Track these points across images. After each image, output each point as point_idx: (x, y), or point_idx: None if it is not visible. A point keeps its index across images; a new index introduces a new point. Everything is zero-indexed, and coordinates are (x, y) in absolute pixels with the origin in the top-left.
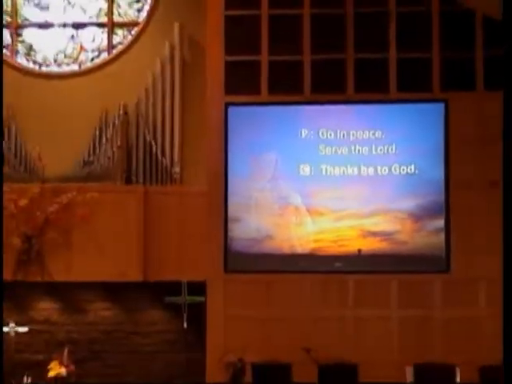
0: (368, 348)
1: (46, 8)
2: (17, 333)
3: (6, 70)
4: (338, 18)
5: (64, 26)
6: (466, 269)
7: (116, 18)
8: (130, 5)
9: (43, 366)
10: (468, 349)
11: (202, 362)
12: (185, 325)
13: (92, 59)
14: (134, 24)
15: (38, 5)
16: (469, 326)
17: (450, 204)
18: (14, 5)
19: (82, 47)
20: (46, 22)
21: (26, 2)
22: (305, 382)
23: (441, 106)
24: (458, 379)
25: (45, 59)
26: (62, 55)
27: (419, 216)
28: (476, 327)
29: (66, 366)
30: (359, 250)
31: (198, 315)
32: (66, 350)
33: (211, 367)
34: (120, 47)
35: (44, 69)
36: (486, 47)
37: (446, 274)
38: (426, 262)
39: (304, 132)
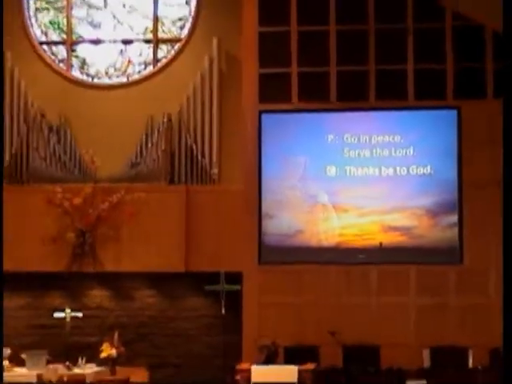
0: (388, 332)
1: (97, 26)
2: (72, 318)
3: (62, 82)
4: (361, 33)
5: (114, 42)
6: (477, 260)
7: (160, 35)
8: (173, 23)
9: (96, 348)
10: (479, 333)
11: (239, 345)
12: (223, 311)
13: (139, 72)
14: (177, 40)
15: (90, 23)
16: (480, 312)
17: (463, 201)
18: (69, 23)
19: (129, 61)
20: (98, 38)
21: (80, 21)
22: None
23: (454, 113)
24: (470, 360)
25: (97, 72)
26: (112, 68)
27: (435, 212)
28: (486, 313)
29: (116, 348)
30: (380, 243)
31: (234, 302)
32: (115, 333)
33: (247, 349)
34: (164, 61)
35: (96, 81)
36: (495, 59)
37: (459, 265)
38: (441, 254)
39: (330, 137)
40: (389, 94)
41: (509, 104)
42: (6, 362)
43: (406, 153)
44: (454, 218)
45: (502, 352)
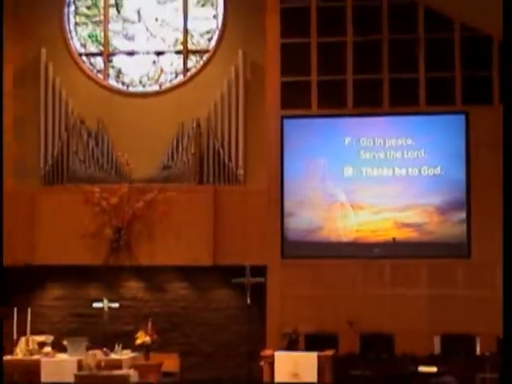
0: (402, 321)
1: (132, 39)
2: (109, 308)
3: (100, 90)
4: (375, 44)
5: (147, 53)
6: (484, 255)
7: (190, 46)
8: (201, 35)
9: (131, 336)
10: (486, 322)
11: (263, 333)
12: (248, 301)
13: (170, 80)
14: (205, 51)
15: (125, 36)
16: (487, 303)
17: (471, 200)
18: (105, 36)
19: (162, 70)
20: (133, 50)
21: (116, 34)
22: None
23: (462, 117)
24: (478, 348)
25: (131, 81)
26: (146, 77)
27: (444, 210)
28: (493, 304)
29: (150, 335)
30: (394, 239)
31: (259, 294)
32: (149, 322)
33: (270, 337)
34: (193, 70)
35: (131, 89)
36: (500, 67)
37: (467, 259)
38: (450, 249)
39: (347, 140)
40: (401, 100)
41: (509, 109)
42: (48, 348)
43: (417, 155)
44: (463, 215)
45: (502, 341)
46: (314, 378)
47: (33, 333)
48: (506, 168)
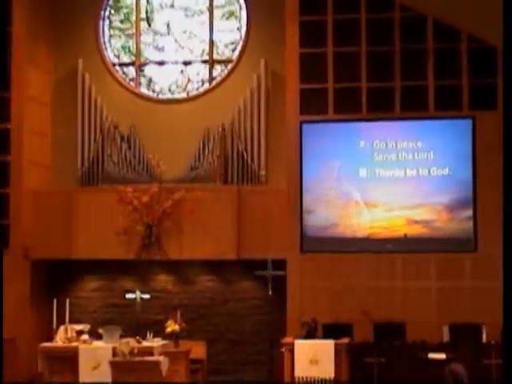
0: (413, 311)
1: (162, 49)
2: (141, 299)
3: (132, 98)
4: (388, 54)
5: (176, 63)
6: (489, 249)
7: (215, 56)
8: (226, 46)
9: (161, 325)
10: (492, 312)
11: (283, 322)
12: (270, 293)
13: (197, 88)
14: (229, 61)
15: (156, 47)
16: (492, 294)
17: (477, 198)
18: (137, 48)
19: (189, 79)
20: (162, 60)
21: (147, 46)
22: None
23: (469, 122)
24: (484, 336)
25: (161, 89)
26: (174, 85)
27: (452, 208)
28: (498, 295)
29: (179, 324)
30: (405, 235)
31: (280, 286)
32: (178, 312)
33: (290, 325)
34: (218, 79)
35: (160, 96)
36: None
37: (473, 253)
38: (457, 244)
39: (362, 143)
40: (412, 106)
41: (508, 114)
42: (86, 336)
43: (427, 156)
44: (469, 213)
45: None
46: (332, 365)
47: (71, 322)
48: (505, 167)
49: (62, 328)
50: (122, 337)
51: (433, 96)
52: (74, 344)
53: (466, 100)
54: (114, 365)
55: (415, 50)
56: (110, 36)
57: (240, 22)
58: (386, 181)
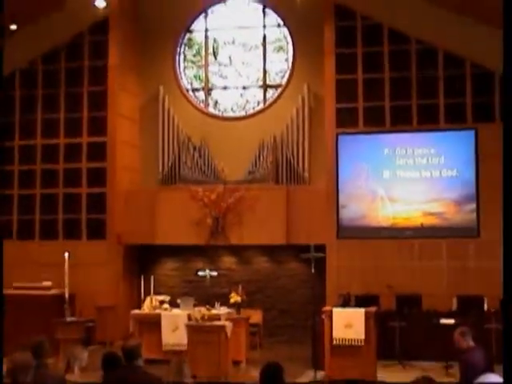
0: (428, 285)
1: (225, 77)
2: (210, 276)
3: (202, 116)
4: (407, 79)
5: (236, 88)
6: (489, 235)
7: (268, 82)
8: (276, 74)
9: (226, 296)
10: (492, 286)
11: (323, 294)
12: (312, 271)
13: (253, 108)
14: (279, 85)
15: (220, 75)
16: (492, 272)
17: (479, 194)
18: (206, 76)
19: (247, 101)
20: (226, 85)
21: (214, 74)
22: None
23: (472, 132)
24: (485, 306)
25: (225, 109)
26: (236, 106)
27: (459, 202)
28: (497, 273)
29: (241, 296)
30: (421, 224)
31: (320, 265)
32: (240, 287)
33: (329, 297)
34: (270, 100)
35: (224, 114)
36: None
37: (476, 238)
38: (463, 231)
39: (386, 150)
40: (426, 120)
41: (506, 125)
42: (166, 305)
43: (438, 161)
44: (473, 206)
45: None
46: (362, 328)
47: (155, 294)
48: (505, 168)
49: (148, 299)
50: (195, 306)
51: (443, 112)
52: (158, 311)
53: (470, 115)
54: (189, 327)
55: (428, 76)
56: (185, 67)
57: (287, 54)
58: (406, 181)
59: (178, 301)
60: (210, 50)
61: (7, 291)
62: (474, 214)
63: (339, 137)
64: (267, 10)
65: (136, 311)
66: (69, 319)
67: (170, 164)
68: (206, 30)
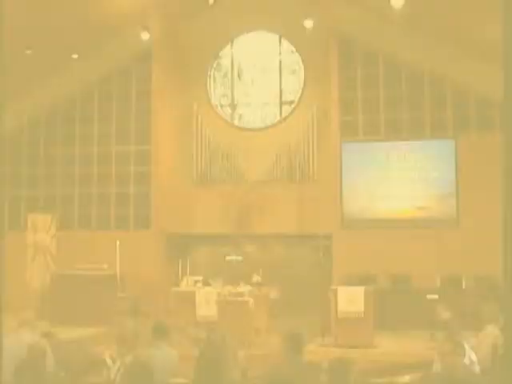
0: (418, 266)
1: (248, 95)
2: (236, 260)
3: (229, 128)
4: (396, 97)
5: (257, 104)
6: (467, 225)
7: (283, 99)
8: (290, 92)
9: (249, 277)
10: (469, 268)
11: (330, 275)
12: (321, 256)
13: (271, 121)
14: (292, 102)
15: (244, 93)
16: (470, 255)
17: (459, 191)
18: (232, 94)
19: (266, 115)
20: (248, 102)
21: (238, 93)
22: None
23: (452, 142)
24: (463, 284)
25: (248, 122)
26: (257, 119)
27: (441, 197)
28: (474, 257)
29: (261, 277)
30: (412, 216)
31: (328, 251)
32: (260, 269)
33: (335, 278)
34: (286, 114)
35: (248, 126)
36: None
37: (456, 228)
38: (445, 222)
39: (382, 155)
40: (412, 132)
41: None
42: (200, 284)
43: (426, 165)
44: (454, 201)
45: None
46: (362, 303)
47: (191, 274)
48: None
49: (184, 278)
50: (223, 285)
51: (429, 126)
52: (192, 289)
53: (451, 128)
54: (218, 302)
55: (416, 94)
56: (215, 87)
57: (299, 76)
58: (400, 181)
59: (210, 280)
60: (236, 73)
61: (72, 271)
62: (454, 208)
63: (343, 144)
64: (283, 40)
65: (175, 288)
66: (120, 294)
67: (202, 167)
68: (232, 57)
